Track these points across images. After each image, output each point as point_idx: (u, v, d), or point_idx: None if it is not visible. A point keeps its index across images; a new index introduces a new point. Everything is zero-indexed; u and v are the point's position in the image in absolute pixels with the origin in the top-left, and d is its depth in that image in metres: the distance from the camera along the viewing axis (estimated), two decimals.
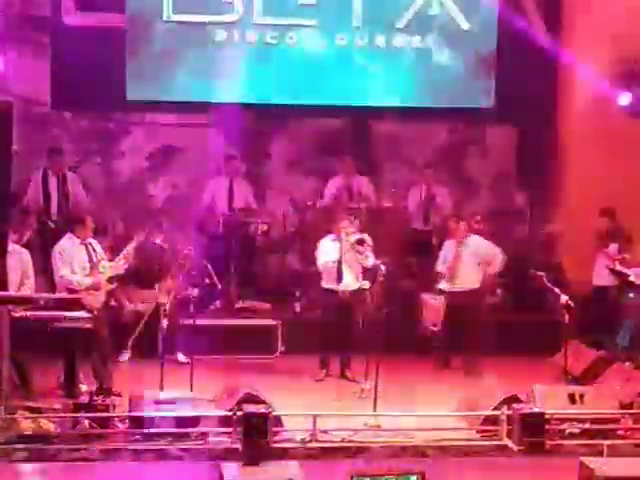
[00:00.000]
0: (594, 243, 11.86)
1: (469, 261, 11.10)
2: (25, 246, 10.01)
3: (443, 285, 11.17)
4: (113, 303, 10.63)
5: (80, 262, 9.78)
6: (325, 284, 10.76)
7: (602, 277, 11.74)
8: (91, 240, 9.97)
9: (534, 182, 13.70)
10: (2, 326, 8.57)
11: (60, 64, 12.62)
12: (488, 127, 13.96)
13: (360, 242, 10.53)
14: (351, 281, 10.65)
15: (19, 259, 9.48)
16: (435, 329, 11.18)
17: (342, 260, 10.56)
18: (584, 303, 11.29)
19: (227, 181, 12.58)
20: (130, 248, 10.05)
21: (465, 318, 10.93)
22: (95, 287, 9.72)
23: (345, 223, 10.68)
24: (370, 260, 10.54)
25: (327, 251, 10.70)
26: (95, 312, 9.49)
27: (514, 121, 13.74)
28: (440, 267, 11.30)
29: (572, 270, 12.47)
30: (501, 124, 13.85)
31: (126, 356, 10.98)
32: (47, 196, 11.81)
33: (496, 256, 11.15)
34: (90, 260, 9.83)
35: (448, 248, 11.30)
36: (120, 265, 9.94)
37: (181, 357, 10.68)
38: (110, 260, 9.95)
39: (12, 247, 9.24)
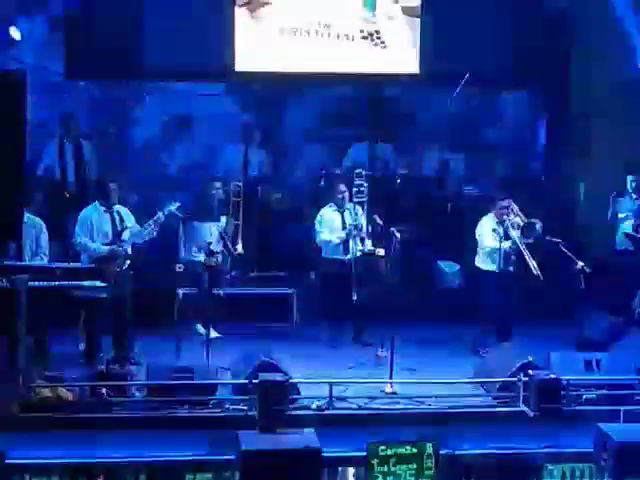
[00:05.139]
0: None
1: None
2: (40, 215, 10.04)
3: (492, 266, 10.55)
4: (131, 272, 10.63)
5: (101, 230, 9.81)
6: (327, 255, 10.75)
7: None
8: (119, 208, 9.97)
9: (551, 148, 13.62)
10: (19, 295, 8.61)
11: (74, 32, 12.60)
12: (504, 92, 13.88)
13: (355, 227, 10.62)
14: (356, 248, 10.64)
15: (33, 228, 9.51)
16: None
17: (348, 234, 10.56)
18: (600, 269, 11.24)
19: (242, 150, 12.55)
20: (157, 218, 9.97)
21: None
22: (114, 256, 9.74)
23: (345, 193, 10.66)
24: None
25: (329, 225, 10.69)
26: (113, 281, 9.50)
27: (530, 86, 13.66)
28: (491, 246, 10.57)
29: (589, 236, 12.42)
30: (517, 89, 13.78)
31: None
32: (63, 165, 11.81)
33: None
34: (113, 228, 9.85)
35: (491, 227, 10.59)
36: (145, 234, 9.93)
37: (200, 329, 10.66)
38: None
39: (27, 216, 9.26)
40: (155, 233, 10.00)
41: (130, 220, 9.96)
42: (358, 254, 10.65)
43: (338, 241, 10.67)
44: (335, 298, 10.75)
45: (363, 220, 10.67)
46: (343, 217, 10.75)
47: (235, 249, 10.74)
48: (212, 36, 12.80)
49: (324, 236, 10.74)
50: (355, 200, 10.77)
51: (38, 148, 11.65)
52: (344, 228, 10.72)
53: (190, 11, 12.76)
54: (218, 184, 11.06)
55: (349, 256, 10.64)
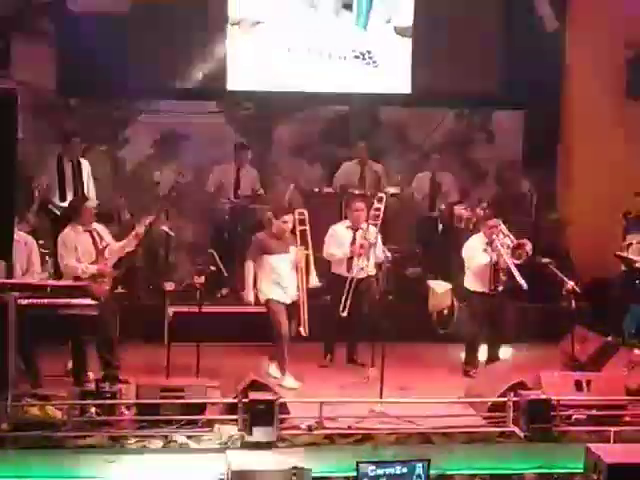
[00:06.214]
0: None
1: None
2: (33, 233, 10.02)
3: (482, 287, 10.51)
4: (120, 290, 10.61)
5: (85, 250, 9.76)
6: (335, 270, 10.73)
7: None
8: (96, 226, 9.94)
9: (541, 168, 13.65)
10: (8, 313, 8.59)
11: (65, 50, 12.61)
12: (494, 112, 13.92)
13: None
14: (361, 269, 10.57)
15: (24, 246, 9.48)
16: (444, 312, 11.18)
17: (354, 251, 10.51)
18: (592, 289, 11.27)
19: (235, 168, 12.56)
20: (139, 229, 9.88)
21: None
22: (101, 274, 9.71)
23: (362, 212, 10.62)
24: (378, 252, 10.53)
25: (339, 241, 10.63)
26: (102, 299, 9.47)
27: (521, 106, 13.70)
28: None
29: (579, 256, 12.45)
30: (507, 109, 13.82)
31: None
32: (62, 182, 11.74)
33: None
34: (96, 247, 9.81)
35: (481, 247, 10.55)
36: (129, 245, 9.88)
37: (291, 382, 10.04)
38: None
39: (17, 234, 9.24)
40: (132, 248, 9.96)
41: (108, 237, 9.94)
42: (362, 274, 10.53)
43: (342, 257, 10.58)
44: (331, 315, 10.68)
45: (373, 239, 10.53)
46: (355, 235, 10.66)
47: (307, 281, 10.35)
48: (204, 55, 12.83)
49: (329, 250, 10.67)
50: (371, 222, 10.69)
51: (28, 166, 11.60)
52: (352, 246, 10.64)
53: (183, 30, 12.79)
54: (288, 217, 10.29)
55: (351, 274, 10.54)
